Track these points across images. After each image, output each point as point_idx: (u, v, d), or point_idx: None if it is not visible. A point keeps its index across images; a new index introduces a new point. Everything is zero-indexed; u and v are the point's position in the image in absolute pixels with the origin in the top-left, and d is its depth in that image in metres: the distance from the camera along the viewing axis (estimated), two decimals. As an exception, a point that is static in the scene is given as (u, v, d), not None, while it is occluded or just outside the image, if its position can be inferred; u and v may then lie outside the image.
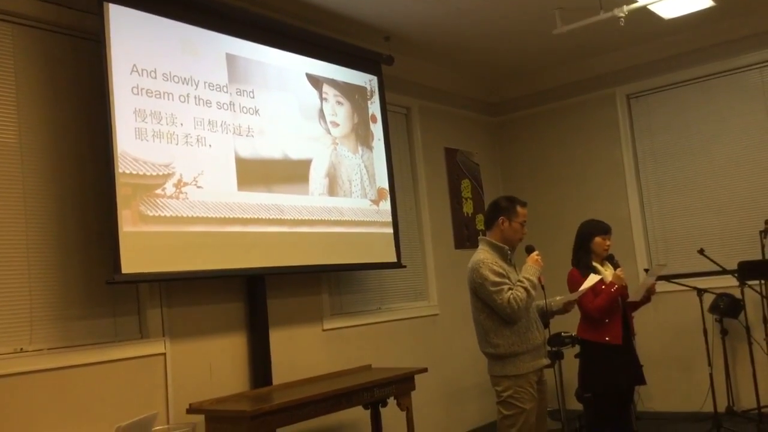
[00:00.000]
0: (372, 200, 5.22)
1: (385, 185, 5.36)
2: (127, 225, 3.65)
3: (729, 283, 5.46)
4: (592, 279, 3.97)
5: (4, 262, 3.48)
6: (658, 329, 6.17)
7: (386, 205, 5.33)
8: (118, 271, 3.58)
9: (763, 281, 5.24)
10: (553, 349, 5.06)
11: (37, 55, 3.73)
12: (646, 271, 5.39)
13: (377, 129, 5.38)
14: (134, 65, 3.81)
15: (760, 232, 5.27)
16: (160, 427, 3.77)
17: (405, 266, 5.47)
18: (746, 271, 5.25)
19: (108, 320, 3.85)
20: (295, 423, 3.90)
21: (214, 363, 4.24)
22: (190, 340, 4.15)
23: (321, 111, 4.93)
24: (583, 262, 4.19)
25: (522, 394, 3.51)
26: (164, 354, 4.00)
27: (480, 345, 3.66)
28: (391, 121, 5.67)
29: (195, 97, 4.08)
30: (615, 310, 4.10)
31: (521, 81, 7.06)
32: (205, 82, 4.15)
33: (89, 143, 3.84)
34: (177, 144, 3.94)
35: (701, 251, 5.35)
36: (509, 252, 3.69)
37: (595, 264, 4.17)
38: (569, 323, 4.59)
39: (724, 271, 5.35)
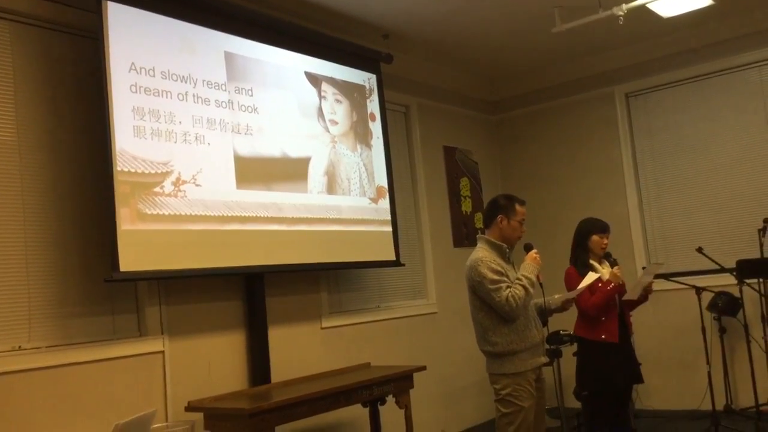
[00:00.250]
0: (371, 198, 5.22)
1: (384, 183, 5.36)
2: (125, 223, 3.64)
3: (727, 281, 5.47)
4: (591, 277, 3.97)
5: (2, 259, 3.48)
6: (657, 327, 6.18)
7: (385, 204, 5.33)
8: (117, 269, 3.58)
9: (761, 280, 5.25)
10: (552, 347, 5.06)
11: (36, 53, 3.73)
12: (644, 269, 5.39)
13: (376, 127, 5.38)
14: (133, 63, 3.80)
15: (759, 230, 5.28)
16: (159, 424, 3.75)
17: (404, 264, 5.47)
18: (745, 269, 5.26)
19: (106, 318, 3.85)
20: (293, 421, 3.90)
21: (213, 361, 4.24)
22: (188, 338, 4.15)
23: (320, 109, 4.93)
24: (580, 261, 4.20)
25: (520, 392, 3.52)
26: (163, 352, 4.00)
27: (478, 343, 3.66)
28: (390, 119, 5.67)
29: (193, 95, 4.08)
30: (611, 309, 4.10)
31: (520, 79, 7.06)
32: (203, 80, 4.15)
33: (88, 141, 3.83)
34: (175, 142, 3.94)
35: (700, 250, 5.35)
36: (508, 250, 3.69)
37: (592, 262, 4.17)
38: (568, 321, 4.59)
39: (722, 270, 5.35)
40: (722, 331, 5.59)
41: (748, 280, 5.27)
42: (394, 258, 5.32)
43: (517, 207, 3.69)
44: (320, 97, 4.95)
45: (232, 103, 4.30)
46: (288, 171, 4.60)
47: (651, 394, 6.14)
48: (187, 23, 4.13)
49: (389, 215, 5.34)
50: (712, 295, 5.58)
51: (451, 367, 6.04)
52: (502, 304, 3.47)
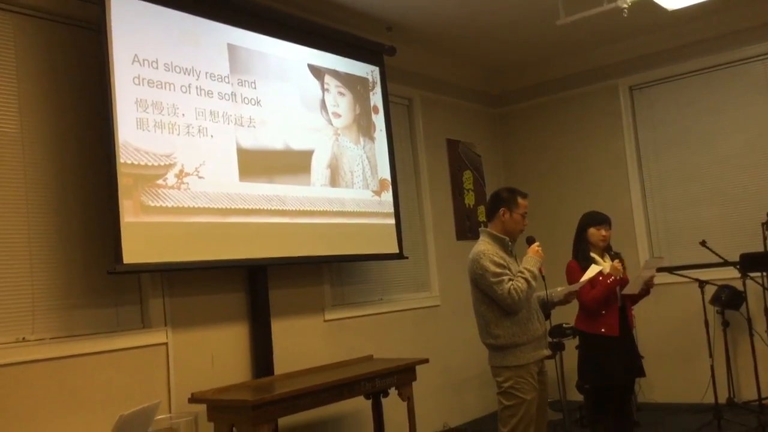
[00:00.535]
0: (374, 191, 5.22)
1: (387, 176, 5.36)
2: (128, 215, 3.65)
3: (731, 274, 5.45)
4: (593, 270, 3.95)
5: (6, 251, 3.49)
6: (660, 321, 6.18)
7: (388, 196, 5.33)
8: (120, 261, 3.59)
9: (764, 273, 5.23)
10: (554, 340, 5.07)
11: (39, 45, 3.73)
12: (645, 263, 5.38)
13: (379, 120, 5.38)
14: (135, 55, 3.80)
15: (763, 223, 5.27)
16: (163, 416, 3.79)
17: (407, 257, 5.47)
18: (748, 262, 5.25)
19: (110, 310, 3.86)
20: (296, 413, 3.91)
21: (216, 353, 4.26)
22: (192, 330, 4.16)
23: (323, 102, 4.92)
24: (581, 254, 4.18)
25: (523, 385, 3.51)
26: (166, 344, 4.02)
27: (481, 336, 3.66)
28: (393, 112, 5.67)
29: (196, 88, 4.08)
30: (611, 302, 4.08)
31: (524, 72, 7.04)
32: (206, 73, 4.15)
33: (91, 133, 3.84)
34: (178, 134, 3.94)
35: (703, 243, 5.34)
36: (510, 243, 3.68)
37: (593, 255, 4.14)
38: (570, 314, 4.59)
39: (725, 263, 5.34)
40: (725, 324, 5.59)
41: (751, 274, 5.26)
42: (397, 251, 5.32)
43: (520, 200, 3.68)
44: (323, 89, 4.95)
45: (235, 95, 4.30)
46: (291, 164, 4.60)
47: (654, 387, 6.14)
48: (190, 15, 4.12)
49: (392, 208, 5.34)
50: (716, 288, 5.58)
51: (454, 360, 6.05)
52: (505, 296, 3.47)
